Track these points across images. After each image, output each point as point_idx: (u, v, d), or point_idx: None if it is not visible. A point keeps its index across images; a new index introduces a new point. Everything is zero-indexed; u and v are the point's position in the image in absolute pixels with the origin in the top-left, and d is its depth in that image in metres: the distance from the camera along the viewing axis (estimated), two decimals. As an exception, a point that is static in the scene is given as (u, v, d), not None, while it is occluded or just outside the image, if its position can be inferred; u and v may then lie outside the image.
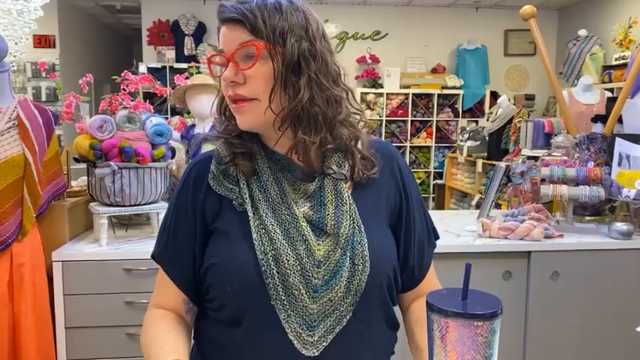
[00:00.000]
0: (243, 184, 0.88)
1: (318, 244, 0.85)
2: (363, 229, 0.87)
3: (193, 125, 2.16)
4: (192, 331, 0.97)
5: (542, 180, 2.31)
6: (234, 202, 0.88)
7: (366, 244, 0.85)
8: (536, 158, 3.01)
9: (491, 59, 6.79)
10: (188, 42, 6.38)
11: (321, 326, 0.83)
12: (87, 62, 6.82)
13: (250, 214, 0.86)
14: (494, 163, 4.21)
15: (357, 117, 0.93)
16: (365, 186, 0.91)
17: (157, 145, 2.02)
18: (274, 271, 0.82)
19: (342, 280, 0.83)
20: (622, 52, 5.29)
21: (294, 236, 0.84)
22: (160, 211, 2.05)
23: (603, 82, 5.27)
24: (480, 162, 4.63)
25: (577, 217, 2.40)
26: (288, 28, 0.82)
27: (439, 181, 6.15)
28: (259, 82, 0.83)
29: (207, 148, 2.14)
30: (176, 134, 2.18)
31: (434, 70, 6.81)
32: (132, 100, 2.00)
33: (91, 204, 2.02)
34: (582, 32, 5.74)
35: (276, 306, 0.82)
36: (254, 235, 0.84)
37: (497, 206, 3.45)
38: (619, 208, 2.25)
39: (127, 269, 1.90)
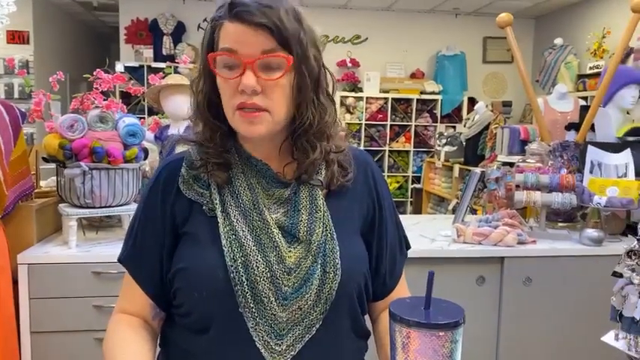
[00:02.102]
0: (214, 188, 0.86)
1: (289, 251, 0.83)
2: (335, 236, 0.85)
3: (167, 126, 2.13)
4: (159, 337, 0.95)
5: (517, 186, 2.33)
6: (204, 207, 0.86)
7: (338, 252, 0.84)
8: (511, 164, 3.05)
9: (469, 66, 6.86)
10: (167, 41, 6.30)
11: (290, 335, 0.82)
12: (62, 59, 6.68)
13: (220, 219, 0.84)
14: (470, 168, 4.25)
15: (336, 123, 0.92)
16: (339, 193, 0.90)
17: (130, 145, 1.98)
18: (243, 278, 0.80)
19: (313, 288, 0.82)
20: (596, 61, 5.40)
21: (265, 243, 0.83)
22: (131, 213, 2.01)
23: (578, 91, 5.38)
24: (456, 167, 4.67)
25: (550, 223, 2.43)
26: (308, 42, 0.82)
27: (417, 186, 6.19)
28: (280, 93, 0.81)
29: (181, 149, 2.10)
30: (150, 135, 2.14)
31: (413, 76, 6.86)
32: (104, 100, 1.96)
33: (60, 205, 1.97)
34: (558, 41, 5.84)
35: (244, 313, 0.80)
36: (223, 242, 0.82)
37: (473, 212, 3.47)
38: (590, 215, 2.29)
39: (97, 272, 1.86)
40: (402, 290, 0.99)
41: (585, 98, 4.85)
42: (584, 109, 3.12)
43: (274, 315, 0.81)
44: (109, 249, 1.94)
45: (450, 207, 4.72)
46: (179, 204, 0.88)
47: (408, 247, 1.02)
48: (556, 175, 2.31)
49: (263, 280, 0.81)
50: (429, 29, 6.86)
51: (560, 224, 2.46)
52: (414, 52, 6.88)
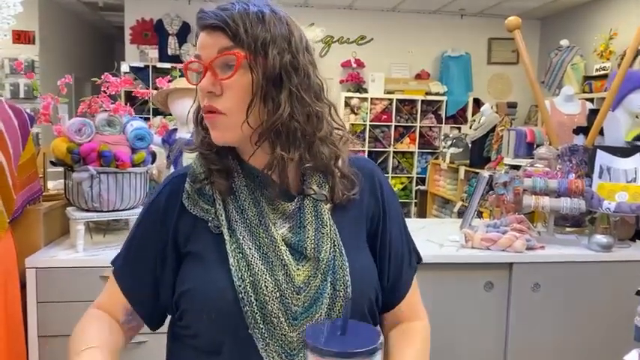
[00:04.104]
0: (220, 204, 0.84)
1: (298, 269, 0.81)
2: (344, 252, 0.83)
3: (175, 129, 2.12)
4: (124, 346, 0.92)
5: (525, 190, 2.32)
6: (209, 225, 0.84)
7: (348, 269, 0.82)
8: (517, 167, 3.03)
9: (474, 67, 6.85)
10: (172, 42, 6.31)
11: (301, 355, 0.80)
12: (67, 60, 6.70)
13: (227, 237, 0.82)
14: (476, 170, 4.24)
15: (340, 133, 0.89)
16: (345, 207, 0.88)
17: (138, 149, 1.97)
18: (252, 299, 0.78)
19: (323, 307, 0.80)
20: (603, 62, 5.38)
21: (272, 261, 0.81)
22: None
23: (584, 92, 5.35)
24: (462, 169, 4.65)
25: (558, 227, 2.42)
26: (271, 39, 0.79)
27: (421, 187, 6.18)
28: (237, 94, 0.79)
29: (188, 153, 2.10)
30: (157, 138, 2.13)
31: (418, 76, 6.85)
32: (112, 103, 1.96)
33: (68, 209, 1.97)
34: (564, 42, 5.82)
35: (254, 335, 0.79)
36: (231, 260, 0.80)
37: (479, 214, 3.46)
38: (599, 220, 2.27)
39: (104, 277, 1.85)
40: (414, 305, 0.96)
41: (592, 100, 4.83)
42: (592, 113, 3.10)
43: (284, 335, 0.79)
44: (116, 253, 1.92)
45: (455, 209, 4.71)
46: (183, 221, 0.86)
47: (419, 260, 1.00)
48: (564, 180, 2.29)
49: (272, 300, 0.79)
50: (435, 30, 6.84)
51: (568, 229, 2.45)
52: (419, 53, 6.87)
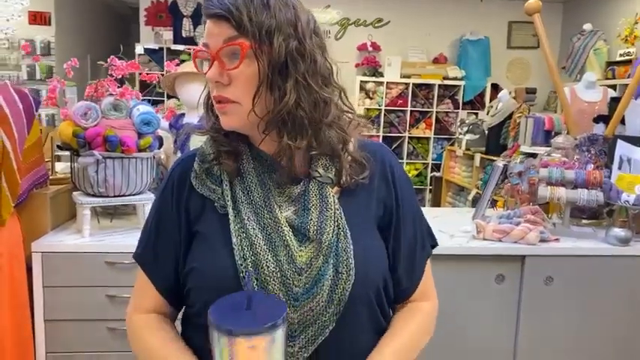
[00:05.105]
0: (227, 185, 0.85)
1: (301, 251, 0.81)
2: (349, 235, 0.82)
3: (183, 114, 2.09)
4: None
5: (541, 180, 2.25)
6: (216, 204, 0.85)
7: (352, 252, 0.81)
8: (534, 155, 2.95)
9: (493, 51, 6.68)
10: (186, 23, 6.26)
11: (302, 337, 0.79)
12: (83, 41, 6.68)
13: (231, 217, 0.82)
14: (492, 158, 4.15)
15: (349, 116, 0.88)
16: (354, 191, 0.87)
17: (144, 134, 1.95)
18: (253, 278, 0.79)
19: (325, 288, 0.79)
20: (627, 48, 5.20)
21: (275, 242, 0.81)
22: (145, 202, 1.99)
23: (607, 79, 5.19)
24: (478, 156, 4.56)
25: (574, 219, 2.35)
26: (276, 26, 0.78)
27: (436, 174, 6.09)
28: (244, 83, 0.79)
29: (195, 137, 2.07)
30: (164, 123, 2.11)
31: (435, 60, 6.71)
32: (119, 87, 1.93)
33: (74, 193, 1.96)
34: (587, 26, 5.63)
35: None
36: (234, 240, 0.81)
37: (493, 203, 3.39)
38: (617, 213, 2.20)
39: (110, 262, 1.85)
40: (425, 288, 0.96)
41: (614, 87, 4.68)
42: (613, 101, 2.99)
43: None
44: (122, 239, 1.92)
45: (470, 197, 4.63)
46: (192, 201, 0.87)
47: (435, 244, 0.99)
48: (582, 170, 2.22)
49: (273, 280, 0.79)
50: (453, 13, 6.68)
51: (584, 221, 2.38)
52: (437, 37, 6.72)
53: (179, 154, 2.04)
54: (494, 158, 4.02)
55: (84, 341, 1.87)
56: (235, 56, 0.78)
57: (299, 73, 0.79)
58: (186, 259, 0.87)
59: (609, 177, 2.22)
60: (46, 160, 2.05)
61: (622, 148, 2.30)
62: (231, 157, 0.85)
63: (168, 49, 6.01)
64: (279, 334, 0.68)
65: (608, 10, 5.91)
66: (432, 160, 6.63)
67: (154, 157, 2.04)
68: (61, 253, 1.84)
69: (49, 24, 6.04)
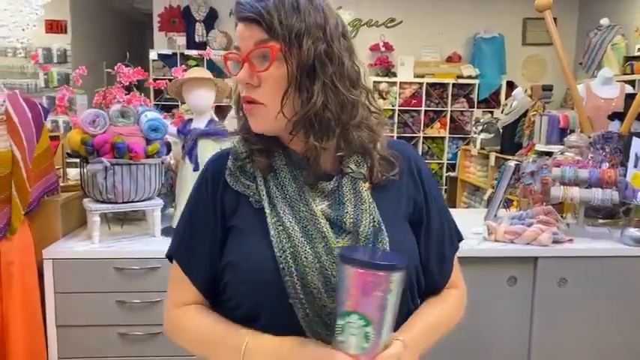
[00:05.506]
0: (261, 180, 0.87)
1: (337, 242, 0.82)
2: (384, 227, 0.84)
3: (190, 120, 2.10)
4: None
5: (554, 180, 2.21)
6: (250, 199, 0.87)
7: (387, 243, 0.83)
8: (550, 154, 2.90)
9: (508, 48, 6.59)
10: (199, 28, 6.29)
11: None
12: (99, 48, 6.78)
13: (267, 210, 0.84)
14: (507, 157, 4.09)
15: (376, 117, 0.90)
16: (384, 187, 0.89)
17: (152, 140, 1.96)
18: (292, 269, 0.80)
19: None
20: (645, 42, 5.09)
21: (312, 233, 0.82)
22: (154, 208, 2.00)
23: (625, 74, 5.09)
24: (493, 155, 4.50)
25: (589, 219, 2.30)
26: (305, 29, 0.80)
27: (451, 174, 6.03)
28: (273, 85, 0.81)
29: (203, 143, 2.08)
30: (172, 129, 2.12)
31: (449, 59, 6.64)
32: (126, 94, 1.95)
33: (84, 200, 1.98)
34: (604, 21, 5.53)
35: (294, 305, 0.80)
36: (272, 232, 0.82)
37: (508, 202, 3.35)
38: (634, 213, 2.15)
39: (119, 268, 1.86)
40: (453, 280, 0.98)
41: (632, 82, 4.58)
42: (628, 97, 2.92)
43: (324, 306, 0.80)
44: (132, 244, 1.94)
45: (486, 197, 4.58)
46: (227, 197, 0.89)
47: (460, 239, 1.01)
48: (596, 169, 2.17)
49: (312, 270, 0.80)
50: (466, 11, 6.60)
51: (600, 221, 2.33)
52: (451, 35, 6.65)
53: (187, 160, 2.05)
54: (509, 157, 3.96)
55: (95, 346, 1.89)
56: (265, 59, 0.80)
57: (327, 75, 0.81)
58: (222, 254, 0.88)
59: (625, 175, 2.17)
60: (58, 167, 2.08)
61: (638, 145, 2.24)
62: (263, 154, 0.87)
63: (182, 54, 6.05)
64: (402, 276, 0.71)
65: (626, 3, 5.79)
66: (447, 159, 6.56)
67: (162, 163, 2.05)
68: (71, 259, 1.86)
69: (66, 32, 6.14)
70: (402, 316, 0.88)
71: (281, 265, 0.80)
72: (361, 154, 0.88)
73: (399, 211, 0.90)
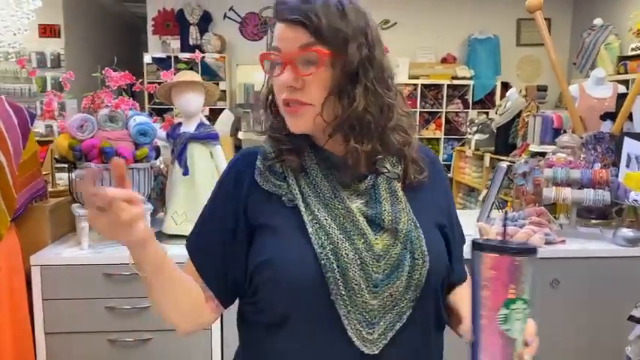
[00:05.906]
0: (292, 179, 0.86)
1: (376, 239, 0.83)
2: (419, 225, 0.86)
3: (180, 124, 2.08)
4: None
5: (546, 181, 2.20)
6: (283, 198, 0.85)
7: (424, 240, 0.84)
8: (543, 154, 2.89)
9: (503, 49, 6.61)
10: (193, 31, 6.29)
11: (382, 323, 0.81)
12: (93, 52, 6.76)
13: (302, 208, 0.83)
14: (501, 158, 4.09)
15: (408, 118, 0.91)
16: (415, 188, 0.90)
17: (141, 145, 1.95)
18: (334, 265, 0.79)
19: (404, 274, 0.82)
20: (639, 42, 5.10)
21: (350, 230, 0.82)
22: (143, 212, 1.98)
23: (618, 73, 5.10)
24: (487, 156, 4.50)
25: (582, 220, 2.29)
26: (351, 34, 0.80)
27: (447, 175, 6.03)
28: (317, 88, 0.81)
29: (193, 147, 2.07)
30: (162, 133, 2.10)
31: (444, 60, 6.65)
32: (114, 99, 1.93)
33: (73, 205, 1.97)
34: (597, 21, 5.54)
35: (336, 302, 0.79)
36: (309, 229, 0.82)
37: (503, 203, 3.34)
38: (626, 213, 2.14)
39: (108, 274, 1.85)
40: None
41: (626, 82, 4.59)
42: (621, 97, 2.92)
43: (365, 303, 0.80)
44: (121, 250, 1.91)
45: (481, 198, 4.57)
46: (254, 196, 0.87)
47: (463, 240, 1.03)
48: (588, 170, 2.16)
49: (353, 267, 0.80)
50: (461, 12, 6.62)
51: (593, 221, 2.32)
52: (445, 36, 6.66)
53: (176, 164, 2.04)
54: (504, 158, 3.96)
55: (85, 354, 1.87)
56: (310, 62, 0.80)
57: (368, 79, 0.81)
58: (246, 257, 0.86)
59: (617, 176, 2.16)
60: (47, 172, 2.06)
61: (630, 145, 2.23)
62: (292, 154, 0.86)
63: (176, 57, 6.04)
64: (532, 262, 0.74)
65: (619, 3, 5.80)
66: (443, 160, 6.55)
67: (151, 168, 2.03)
68: (59, 265, 1.85)
69: (59, 36, 6.12)
70: (436, 311, 0.90)
71: (322, 262, 0.79)
72: (396, 156, 0.89)
73: (430, 212, 0.91)
